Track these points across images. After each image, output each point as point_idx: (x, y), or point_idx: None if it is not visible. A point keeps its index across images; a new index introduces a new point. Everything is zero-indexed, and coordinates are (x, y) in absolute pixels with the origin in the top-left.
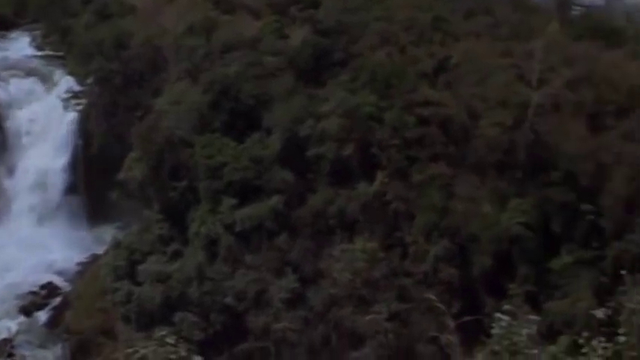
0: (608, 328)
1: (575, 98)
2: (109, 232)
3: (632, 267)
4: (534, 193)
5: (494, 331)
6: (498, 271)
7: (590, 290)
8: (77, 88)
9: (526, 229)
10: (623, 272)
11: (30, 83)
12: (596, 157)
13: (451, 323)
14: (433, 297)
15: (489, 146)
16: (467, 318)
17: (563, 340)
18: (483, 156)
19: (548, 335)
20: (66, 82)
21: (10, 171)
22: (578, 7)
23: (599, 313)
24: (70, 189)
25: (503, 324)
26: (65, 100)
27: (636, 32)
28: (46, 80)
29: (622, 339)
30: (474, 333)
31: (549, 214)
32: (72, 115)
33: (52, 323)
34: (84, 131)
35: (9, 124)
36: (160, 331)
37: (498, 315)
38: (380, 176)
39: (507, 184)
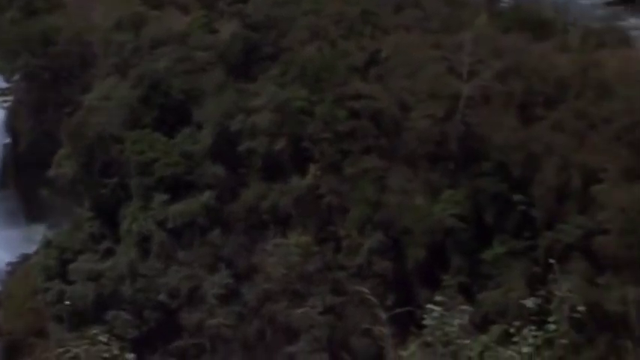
0: (539, 317)
1: (505, 90)
2: (40, 231)
3: (563, 256)
4: (466, 185)
5: (426, 322)
6: (432, 263)
7: (523, 280)
8: (3, 85)
9: (459, 221)
10: (552, 261)
11: None
12: (527, 148)
13: (383, 315)
14: (365, 290)
15: (421, 138)
16: (399, 310)
17: (495, 330)
18: (415, 148)
19: (482, 325)
20: None
21: None
22: (507, 0)
23: (529, 303)
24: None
25: (435, 315)
26: None
27: (564, 24)
28: None
29: (552, 327)
30: (408, 325)
31: (482, 205)
32: None
33: None
34: (12, 129)
35: None
36: (93, 330)
37: (430, 306)
38: (312, 170)
39: (440, 176)
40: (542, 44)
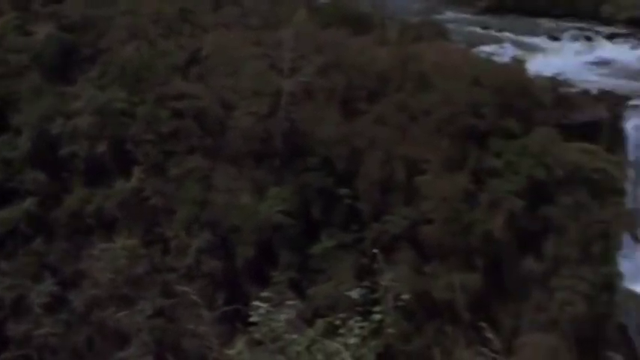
0: (364, 308)
1: (327, 85)
2: None
3: (390, 247)
4: (293, 181)
5: (253, 319)
6: (262, 260)
7: (352, 272)
8: None
9: (286, 217)
10: (375, 251)
11: None
12: (351, 142)
13: (207, 315)
14: (189, 290)
15: (245, 136)
16: (226, 308)
17: (320, 323)
18: (240, 146)
19: (314, 320)
20: None
21: None
22: None
23: (354, 294)
24: None
25: (262, 311)
26: None
27: (382, 18)
28: None
29: (378, 317)
30: (238, 323)
31: (308, 200)
32: None
33: None
34: None
35: None
36: None
37: (256, 303)
38: (136, 172)
39: (265, 173)
40: (362, 39)
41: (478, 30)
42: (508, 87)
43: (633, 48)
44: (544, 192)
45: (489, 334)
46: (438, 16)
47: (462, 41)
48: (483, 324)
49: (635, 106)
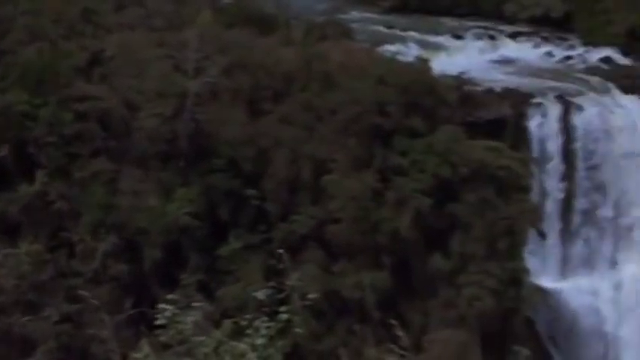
0: (271, 308)
1: (232, 85)
2: None
3: (298, 247)
4: (199, 182)
5: (159, 322)
6: (170, 263)
7: (260, 273)
8: None
9: (193, 219)
10: (281, 251)
11: None
12: (257, 142)
13: (109, 319)
14: (88, 294)
15: (150, 138)
16: (131, 311)
17: (227, 324)
18: (145, 148)
19: (223, 321)
20: None
21: None
22: None
23: (261, 295)
24: None
25: (168, 314)
26: None
27: (286, 18)
28: None
29: (284, 317)
30: (145, 326)
31: (215, 201)
32: None
33: None
34: None
35: None
36: None
37: (162, 305)
38: (40, 176)
39: (172, 175)
40: (267, 39)
41: (383, 29)
42: (413, 86)
43: (536, 46)
44: (450, 190)
45: (398, 332)
46: (343, 16)
47: (366, 41)
48: (392, 321)
49: (539, 104)
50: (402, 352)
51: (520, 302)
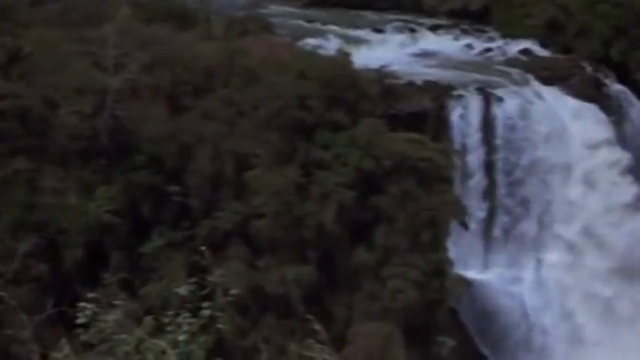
0: (193, 304)
1: (153, 82)
2: None
3: (222, 243)
4: (121, 180)
5: (80, 321)
6: (93, 262)
7: (184, 270)
8: None
9: (115, 217)
10: (203, 248)
11: None
12: (179, 139)
13: (28, 320)
14: (6, 295)
15: (70, 135)
16: (51, 311)
17: (149, 321)
18: (65, 146)
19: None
20: None
21: None
22: None
23: (183, 290)
24: None
25: (89, 313)
26: None
27: (207, 13)
28: None
29: (206, 313)
30: (67, 326)
31: (137, 198)
32: None
33: None
34: None
35: None
36: None
37: (83, 304)
38: None
39: (93, 173)
40: (187, 35)
41: (303, 23)
42: (335, 80)
43: (455, 39)
44: (373, 182)
45: (316, 326)
46: (263, 11)
47: (287, 35)
48: (310, 316)
49: (460, 96)
50: (320, 345)
51: (444, 293)
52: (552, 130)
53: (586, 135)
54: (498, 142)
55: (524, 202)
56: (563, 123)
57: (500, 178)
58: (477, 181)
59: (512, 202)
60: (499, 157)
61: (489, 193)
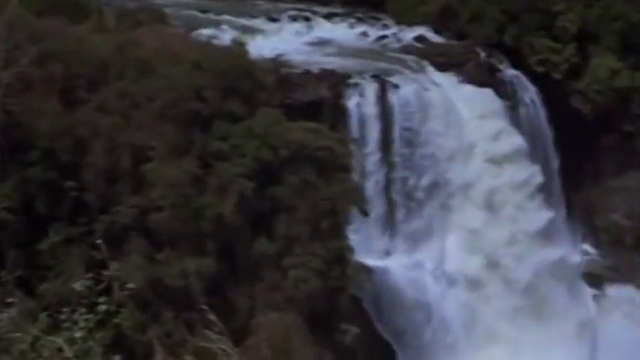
0: (91, 300)
1: (45, 75)
2: None
3: (120, 237)
4: (14, 176)
5: None
6: None
7: (82, 266)
8: None
9: (10, 214)
10: (99, 242)
11: None
12: (73, 132)
13: None
14: None
15: None
16: None
17: (43, 319)
18: None
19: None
20: None
21: None
22: None
23: (78, 286)
24: None
25: None
26: None
27: (99, 5)
28: None
29: (103, 308)
30: None
31: (32, 195)
32: None
33: None
34: None
35: None
36: None
37: None
38: None
39: None
40: (80, 27)
41: (197, 14)
42: (230, 70)
43: (351, 27)
44: (272, 173)
45: (212, 317)
46: (157, 1)
47: (181, 26)
48: (206, 307)
49: (356, 84)
50: (218, 336)
51: (345, 281)
52: (448, 115)
53: (483, 123)
54: (395, 128)
55: (424, 190)
56: (457, 108)
57: (398, 163)
58: (376, 168)
59: (411, 190)
60: (396, 146)
61: (387, 182)
